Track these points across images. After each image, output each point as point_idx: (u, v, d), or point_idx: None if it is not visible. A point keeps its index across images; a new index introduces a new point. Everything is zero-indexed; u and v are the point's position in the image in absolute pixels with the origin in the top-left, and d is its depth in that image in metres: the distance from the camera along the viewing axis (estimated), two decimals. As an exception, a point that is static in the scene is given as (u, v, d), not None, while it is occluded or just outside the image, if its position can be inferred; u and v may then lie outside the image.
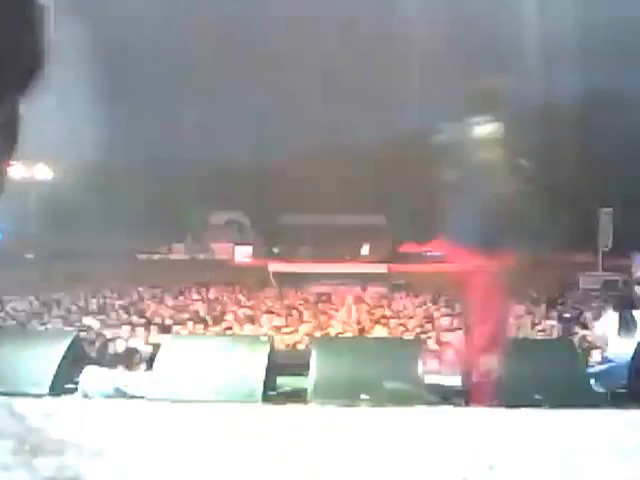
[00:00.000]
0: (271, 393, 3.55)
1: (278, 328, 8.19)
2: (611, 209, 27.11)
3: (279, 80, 41.07)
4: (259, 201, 37.03)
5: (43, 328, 8.69)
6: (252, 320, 9.37)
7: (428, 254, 35.08)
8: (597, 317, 7.92)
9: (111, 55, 33.98)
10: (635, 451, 0.71)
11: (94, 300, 14.30)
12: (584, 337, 6.93)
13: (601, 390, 3.76)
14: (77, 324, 8.90)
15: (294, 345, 6.86)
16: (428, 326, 8.61)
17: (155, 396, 3.31)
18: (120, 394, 3.57)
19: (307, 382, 3.46)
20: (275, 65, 40.92)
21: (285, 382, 3.75)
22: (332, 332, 8.11)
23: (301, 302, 13.99)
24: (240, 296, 16.10)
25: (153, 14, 39.36)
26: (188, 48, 40.21)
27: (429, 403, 3.17)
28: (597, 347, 5.62)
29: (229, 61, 40.57)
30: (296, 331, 7.89)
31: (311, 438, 0.74)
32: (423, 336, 7.08)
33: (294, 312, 10.75)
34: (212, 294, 16.83)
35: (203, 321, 9.25)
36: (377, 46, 40.64)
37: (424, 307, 12.41)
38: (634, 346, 3.98)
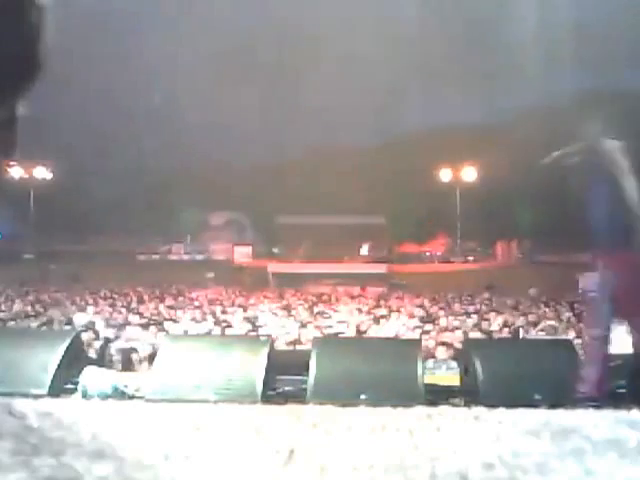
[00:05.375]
0: (271, 393, 3.55)
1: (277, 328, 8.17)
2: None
3: (279, 80, 41.08)
4: (259, 201, 37.01)
5: (43, 328, 8.67)
6: (251, 320, 9.36)
7: (427, 254, 35.10)
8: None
9: (112, 53, 33.99)
10: (635, 451, 0.71)
11: (93, 300, 14.30)
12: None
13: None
14: (76, 324, 8.88)
15: (294, 345, 6.85)
16: (428, 326, 8.59)
17: (154, 396, 3.31)
18: (120, 394, 3.57)
19: (307, 382, 3.46)
20: (274, 67, 40.92)
21: (285, 382, 3.75)
22: (332, 332, 8.10)
23: (301, 302, 13.99)
24: (239, 296, 16.11)
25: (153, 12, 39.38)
26: (187, 46, 40.20)
27: (429, 403, 3.17)
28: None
29: (229, 61, 40.57)
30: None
31: (311, 438, 0.73)
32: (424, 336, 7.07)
33: (294, 312, 10.75)
34: (211, 294, 16.83)
35: (202, 321, 9.25)
36: (374, 46, 40.63)
37: (422, 307, 12.40)
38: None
